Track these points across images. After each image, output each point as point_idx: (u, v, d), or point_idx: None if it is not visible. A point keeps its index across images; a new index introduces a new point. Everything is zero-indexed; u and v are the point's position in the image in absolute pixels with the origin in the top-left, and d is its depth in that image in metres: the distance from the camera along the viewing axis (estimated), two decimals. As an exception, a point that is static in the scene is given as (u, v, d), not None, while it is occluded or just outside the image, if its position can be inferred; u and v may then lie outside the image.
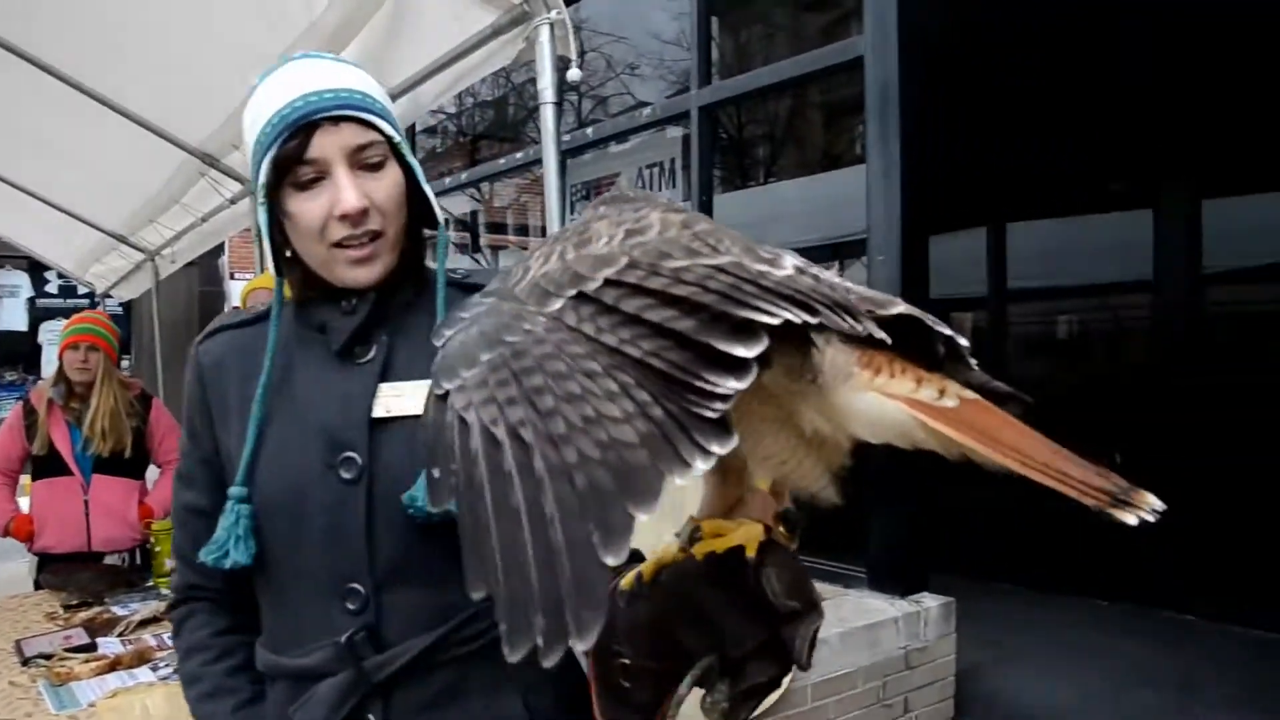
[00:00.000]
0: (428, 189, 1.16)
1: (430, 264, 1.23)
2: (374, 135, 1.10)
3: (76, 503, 3.56)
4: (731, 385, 0.54)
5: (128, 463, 3.67)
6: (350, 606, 1.09)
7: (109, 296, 7.00)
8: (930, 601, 3.95)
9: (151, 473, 3.92)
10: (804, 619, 0.71)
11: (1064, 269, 6.58)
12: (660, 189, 7.22)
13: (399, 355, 1.15)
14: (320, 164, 1.07)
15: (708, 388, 0.54)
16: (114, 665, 2.50)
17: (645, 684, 0.81)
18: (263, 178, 1.08)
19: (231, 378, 1.20)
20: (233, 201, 4.32)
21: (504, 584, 0.48)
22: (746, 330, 0.57)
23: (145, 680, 2.39)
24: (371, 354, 1.14)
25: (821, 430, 0.69)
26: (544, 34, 2.20)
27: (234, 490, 1.12)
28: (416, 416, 1.08)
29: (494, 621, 1.10)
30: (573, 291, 0.61)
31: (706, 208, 5.09)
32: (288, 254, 1.16)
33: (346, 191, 1.07)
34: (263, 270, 4.37)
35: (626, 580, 0.86)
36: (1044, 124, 6.00)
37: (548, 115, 2.20)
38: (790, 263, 0.64)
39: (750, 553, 0.72)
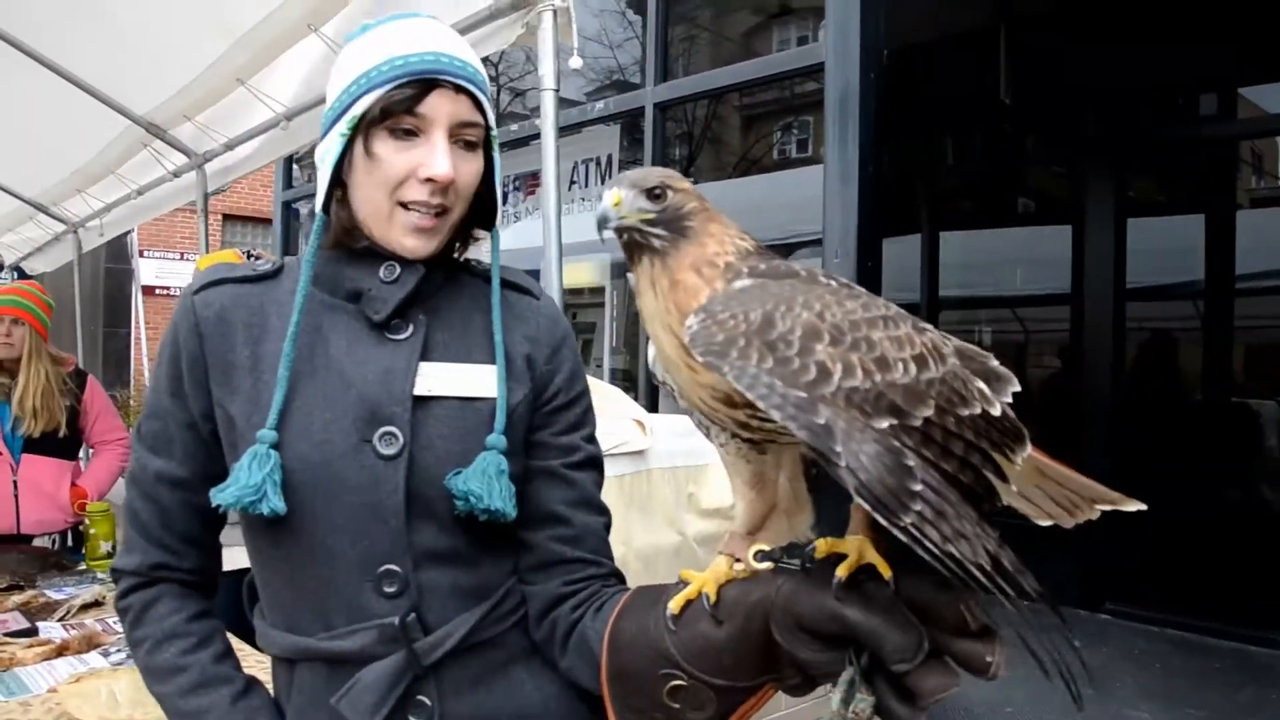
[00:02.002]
0: (499, 189, 1.15)
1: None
2: (479, 119, 1.09)
3: (4, 483, 3.38)
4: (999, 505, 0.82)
5: (61, 443, 3.49)
6: (388, 589, 1.06)
7: (18, 269, 6.66)
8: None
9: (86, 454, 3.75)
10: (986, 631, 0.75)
11: (993, 279, 6.82)
12: (597, 184, 7.23)
13: (435, 336, 1.13)
14: (424, 122, 1.05)
15: (990, 507, 0.79)
16: (61, 650, 2.39)
17: (703, 702, 0.89)
18: (359, 109, 1.05)
19: (237, 334, 1.11)
20: (175, 175, 4.16)
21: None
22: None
23: (97, 666, 2.29)
24: (409, 331, 1.11)
25: None
26: (547, 20, 2.18)
27: (265, 434, 1.03)
28: (458, 399, 1.10)
29: (523, 599, 1.14)
30: (895, 421, 0.76)
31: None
32: (339, 195, 1.12)
33: (441, 157, 1.04)
34: (208, 249, 4.23)
35: (676, 603, 0.91)
36: (982, 135, 6.20)
37: (548, 102, 2.19)
38: (994, 395, 0.84)
39: (883, 568, 0.78)
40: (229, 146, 3.80)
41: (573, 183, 7.36)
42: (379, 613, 1.06)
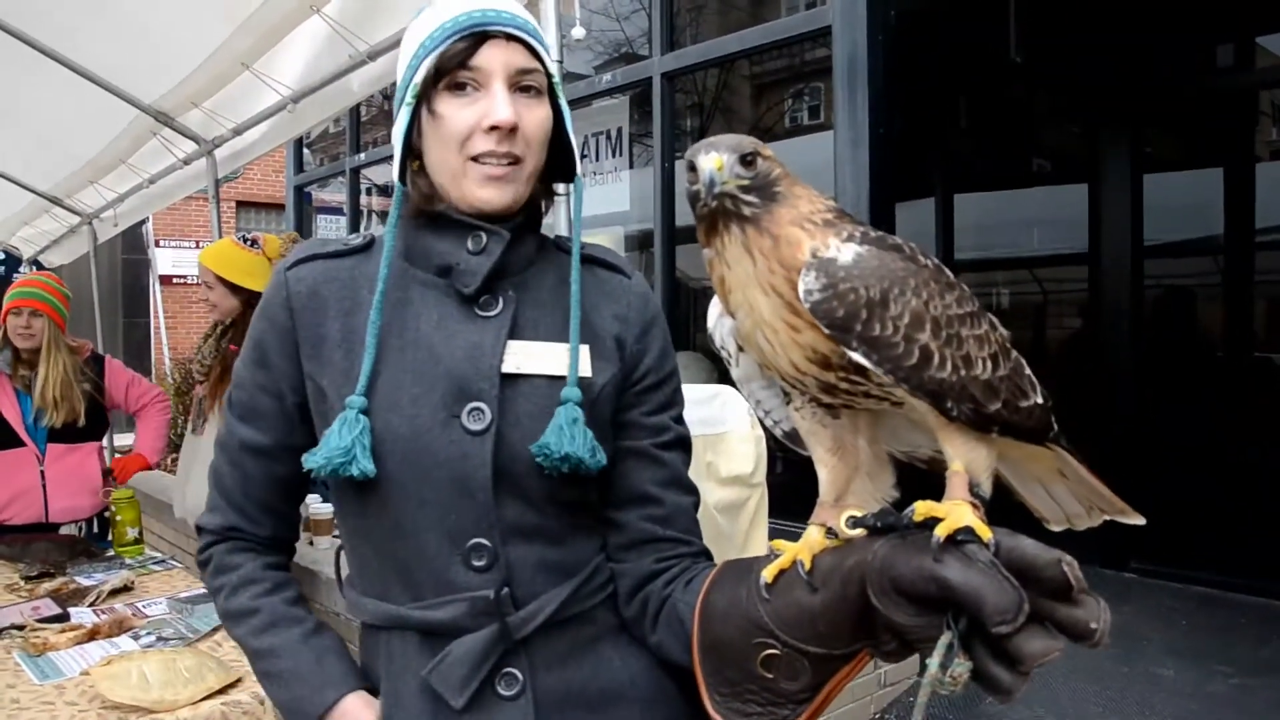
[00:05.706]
0: (572, 136, 1.14)
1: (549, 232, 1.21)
2: (538, 65, 1.09)
3: (32, 474, 3.44)
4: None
5: (81, 431, 3.55)
6: (477, 563, 1.07)
7: (36, 262, 6.72)
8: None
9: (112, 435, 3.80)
10: (1086, 592, 0.73)
11: (1010, 240, 6.76)
12: (608, 157, 7.20)
13: (525, 314, 1.13)
14: (481, 74, 1.06)
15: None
16: (93, 635, 2.43)
17: (797, 671, 0.89)
18: (419, 76, 1.07)
19: (328, 308, 1.14)
20: (186, 163, 4.17)
21: None
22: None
23: (128, 648, 2.33)
24: (499, 307, 1.12)
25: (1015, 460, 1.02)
26: (548, -9, 2.17)
27: (355, 400, 1.05)
28: (545, 376, 1.10)
29: (610, 577, 1.14)
30: (972, 408, 0.87)
31: (669, 175, 5.09)
32: (415, 165, 1.14)
33: (501, 104, 1.04)
34: (221, 236, 4.23)
35: (770, 571, 0.91)
36: (995, 95, 6.12)
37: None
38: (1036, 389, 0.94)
39: (982, 530, 0.77)
40: (237, 132, 3.81)
41: (583, 156, 7.34)
42: (469, 585, 1.07)
